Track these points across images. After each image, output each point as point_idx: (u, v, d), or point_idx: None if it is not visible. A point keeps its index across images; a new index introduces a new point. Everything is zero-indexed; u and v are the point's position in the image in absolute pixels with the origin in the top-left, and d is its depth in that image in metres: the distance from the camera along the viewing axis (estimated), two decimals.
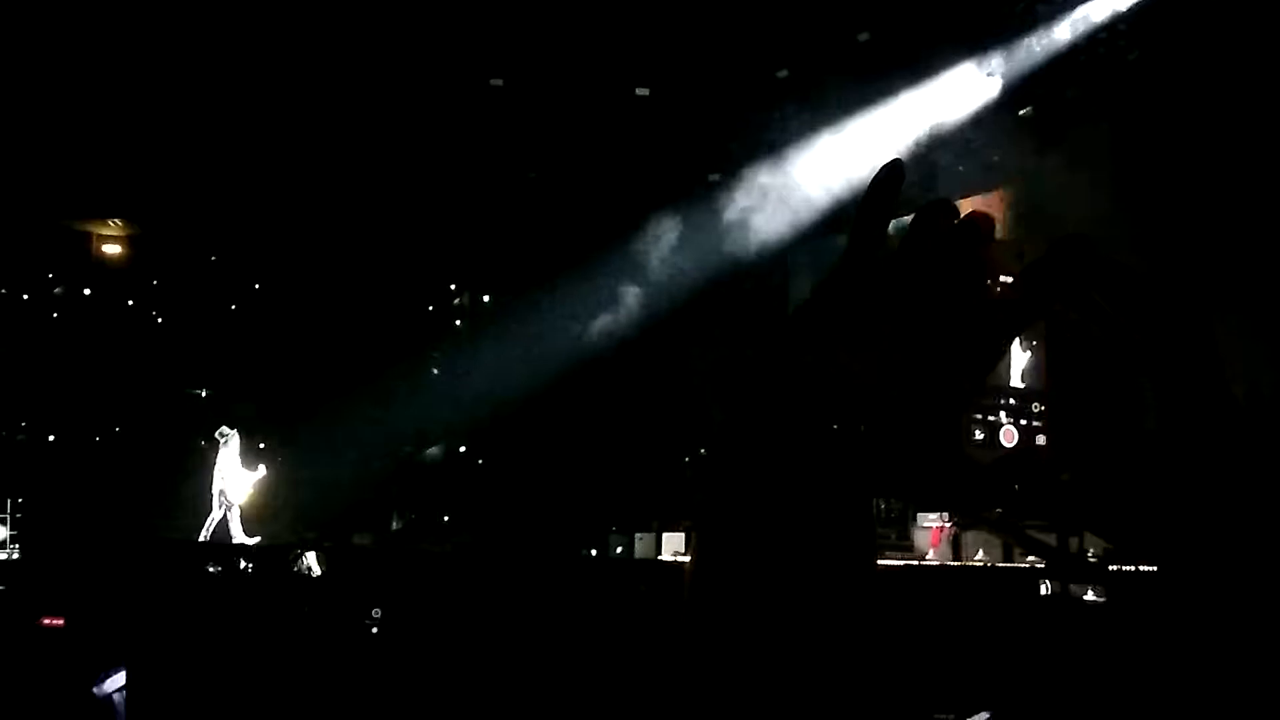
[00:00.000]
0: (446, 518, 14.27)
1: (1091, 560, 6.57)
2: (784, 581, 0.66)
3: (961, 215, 0.71)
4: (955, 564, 8.58)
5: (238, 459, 12.17)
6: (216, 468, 12.16)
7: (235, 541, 11.69)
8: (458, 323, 16.57)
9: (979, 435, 0.74)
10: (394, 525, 13.99)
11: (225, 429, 12.22)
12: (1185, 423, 0.75)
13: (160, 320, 15.73)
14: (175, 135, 12.68)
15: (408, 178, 13.86)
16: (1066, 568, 5.86)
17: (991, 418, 0.74)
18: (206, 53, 11.54)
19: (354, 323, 15.08)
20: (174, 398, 15.07)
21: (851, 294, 0.72)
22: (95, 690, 4.69)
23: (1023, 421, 0.75)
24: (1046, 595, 5.06)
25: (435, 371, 16.03)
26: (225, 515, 11.99)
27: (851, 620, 0.69)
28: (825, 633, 0.67)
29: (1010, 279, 0.70)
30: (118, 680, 4.88)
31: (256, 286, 16.04)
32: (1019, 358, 0.76)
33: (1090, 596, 5.30)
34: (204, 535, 11.79)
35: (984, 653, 4.91)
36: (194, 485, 12.70)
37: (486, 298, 16.56)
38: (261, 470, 12.35)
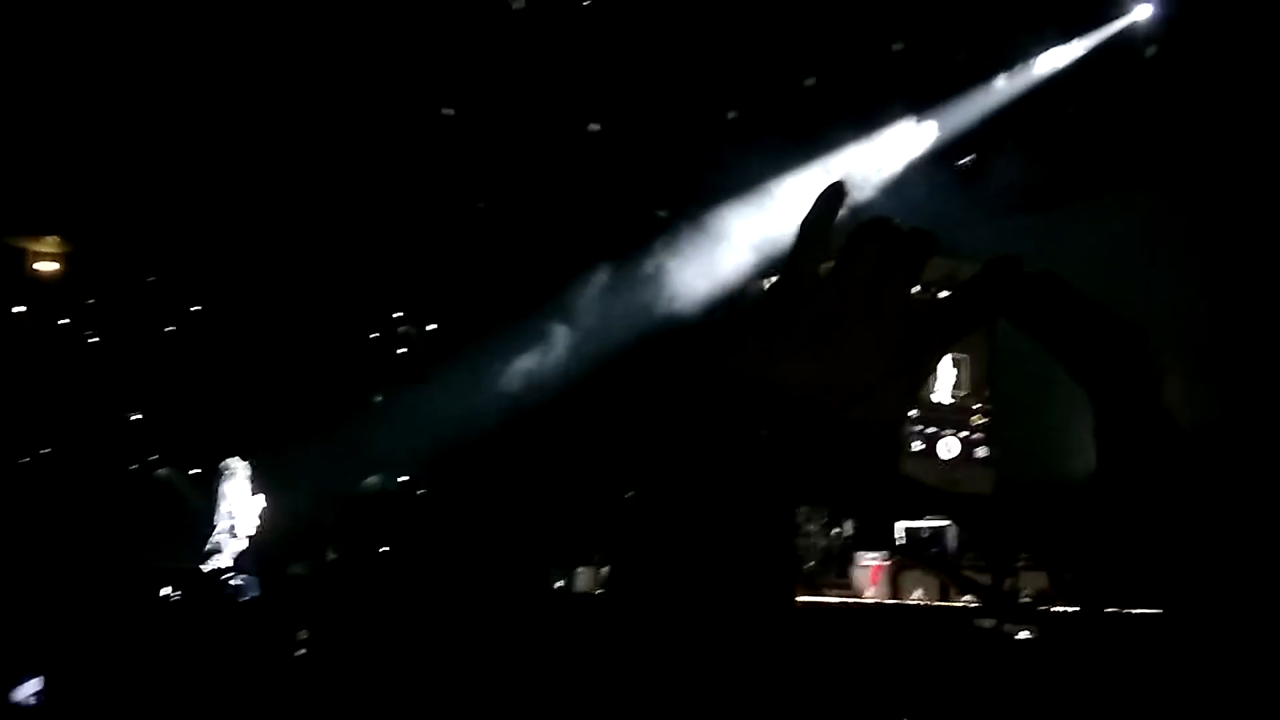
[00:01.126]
0: (384, 549, 14.05)
1: (1024, 600, 6.66)
2: (700, 586, 0.66)
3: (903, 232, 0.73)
4: (892, 602, 8.65)
5: (246, 489, 12.07)
6: (222, 500, 11.90)
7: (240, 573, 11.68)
8: (401, 351, 16.43)
9: (917, 445, 0.76)
10: (329, 556, 13.73)
11: (229, 460, 12.11)
12: (1118, 435, 0.77)
13: (95, 340, 15.38)
14: (114, 152, 12.48)
15: (355, 203, 13.78)
16: (1001, 607, 5.94)
17: (930, 429, 0.75)
18: (147, 70, 11.40)
19: (295, 348, 14.88)
20: (106, 420, 14.72)
21: (791, 305, 0.74)
22: (9, 697, 4.55)
23: (963, 434, 0.76)
24: (982, 633, 5.11)
25: (378, 399, 15.87)
26: (233, 544, 11.90)
27: (766, 632, 0.69)
28: (740, 643, 0.67)
29: (945, 294, 0.72)
30: (32, 687, 4.73)
31: (196, 309, 15.77)
32: (947, 373, 0.77)
33: (1023, 635, 5.36)
34: (215, 564, 11.70)
35: (922, 687, 4.95)
36: (132, 508, 12.49)
37: (432, 327, 16.45)
38: (262, 500, 12.20)
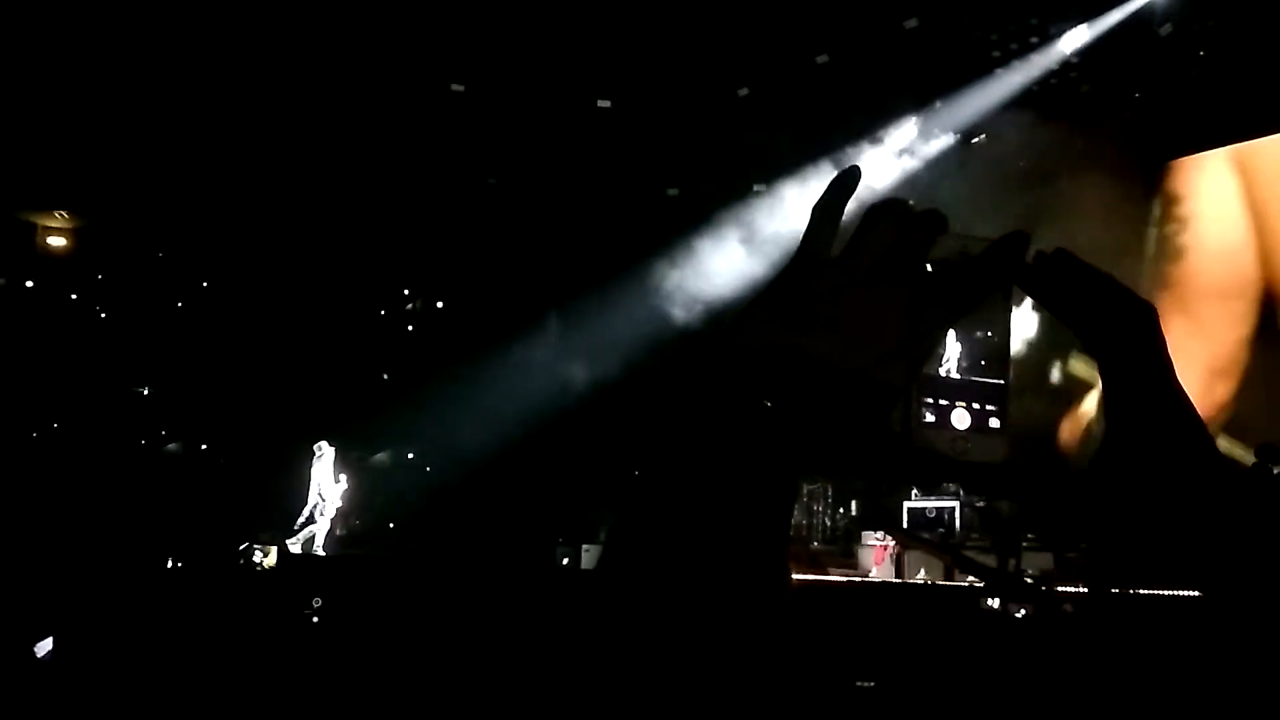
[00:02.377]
0: (392, 524, 14.13)
1: (1028, 580, 6.69)
2: (695, 559, 0.67)
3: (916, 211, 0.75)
4: (898, 581, 8.70)
5: (331, 471, 12.40)
6: (312, 480, 12.32)
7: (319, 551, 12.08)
8: (409, 328, 16.45)
9: (929, 417, 0.77)
10: (338, 531, 13.80)
11: (322, 443, 12.42)
12: (1127, 410, 0.79)
13: (104, 315, 15.44)
14: (124, 128, 12.48)
15: (364, 179, 13.77)
16: (1005, 587, 5.97)
17: (944, 401, 0.77)
18: (156, 47, 11.39)
19: (303, 323, 14.91)
20: (116, 394, 14.79)
21: (803, 284, 0.75)
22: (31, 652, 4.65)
23: (976, 405, 0.78)
24: (987, 613, 5.15)
25: (385, 376, 15.91)
26: (319, 525, 12.27)
27: (761, 605, 0.70)
28: (733, 615, 0.68)
29: (955, 269, 0.74)
30: (46, 645, 4.84)
31: (204, 284, 15.81)
32: (968, 344, 0.79)
33: (1023, 614, 5.39)
34: (300, 545, 12.07)
35: (924, 664, 4.99)
36: (144, 482, 12.69)
37: (440, 304, 16.47)
38: (344, 482, 12.50)
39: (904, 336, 0.72)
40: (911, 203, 0.77)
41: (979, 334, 0.80)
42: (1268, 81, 9.59)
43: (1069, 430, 11.45)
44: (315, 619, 5.74)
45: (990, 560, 9.94)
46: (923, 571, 10.04)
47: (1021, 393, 8.60)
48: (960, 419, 0.79)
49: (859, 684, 5.04)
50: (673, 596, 0.67)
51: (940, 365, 0.78)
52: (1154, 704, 4.15)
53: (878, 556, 10.71)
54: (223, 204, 13.89)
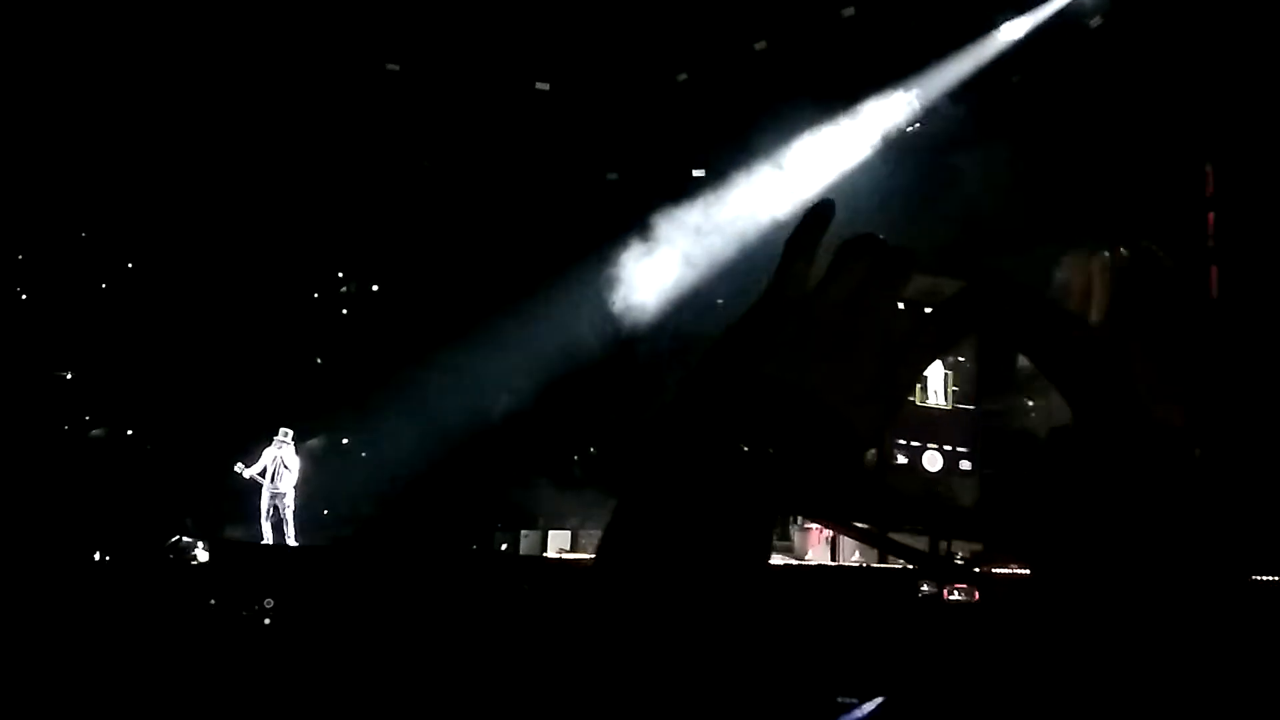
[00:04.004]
0: (326, 511, 13.93)
1: (959, 563, 6.83)
2: (675, 588, 0.68)
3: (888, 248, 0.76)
4: (833, 565, 8.82)
5: (295, 459, 12.18)
6: (273, 467, 12.22)
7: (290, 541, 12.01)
8: (344, 311, 16.18)
9: (901, 459, 0.78)
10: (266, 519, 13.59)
11: (284, 429, 12.18)
12: (1098, 448, 0.81)
13: (25, 296, 14.93)
14: (45, 104, 12.06)
15: (298, 159, 13.49)
16: (939, 570, 6.10)
17: (915, 443, 0.78)
18: (77, 23, 11.02)
19: (233, 306, 14.57)
20: (37, 378, 14.33)
21: (777, 318, 0.76)
22: None
23: (947, 447, 0.79)
24: (924, 596, 5.24)
25: (319, 360, 15.64)
26: (282, 515, 12.19)
27: (732, 628, 0.71)
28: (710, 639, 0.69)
29: (929, 310, 0.75)
30: None
31: (129, 265, 15.37)
32: (935, 385, 0.80)
33: (958, 597, 5.50)
34: (267, 533, 11.85)
35: (870, 647, 5.08)
36: (67, 469, 12.39)
37: (375, 287, 16.22)
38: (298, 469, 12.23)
39: (877, 377, 0.73)
40: (883, 238, 0.78)
41: (949, 372, 0.81)
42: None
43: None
44: (267, 620, 5.64)
45: (921, 543, 10.15)
46: (857, 554, 10.21)
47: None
48: (932, 461, 0.80)
49: (801, 670, 5.13)
50: (650, 626, 0.68)
51: (915, 406, 0.79)
52: (1092, 687, 4.28)
53: (813, 539, 10.85)
54: (148, 182, 13.51)
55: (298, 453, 12.51)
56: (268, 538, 11.98)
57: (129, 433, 14.98)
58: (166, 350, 14.26)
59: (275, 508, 12.17)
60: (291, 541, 11.91)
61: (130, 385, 14.37)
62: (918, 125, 12.55)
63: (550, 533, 12.43)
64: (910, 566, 7.93)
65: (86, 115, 12.37)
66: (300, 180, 13.76)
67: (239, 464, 12.25)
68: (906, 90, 12.30)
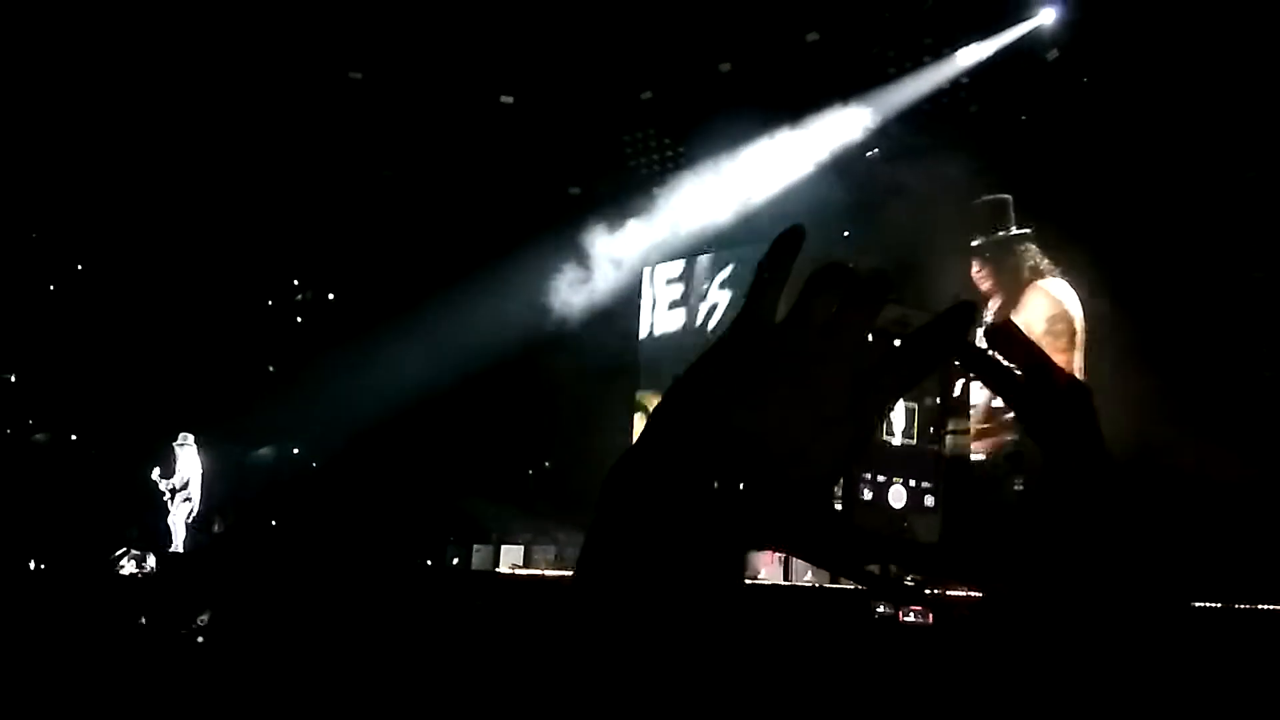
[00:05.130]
0: (274, 522, 13.74)
1: (909, 584, 6.86)
2: (654, 614, 0.67)
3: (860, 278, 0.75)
4: (785, 584, 8.84)
5: (197, 462, 11.91)
6: (178, 471, 11.73)
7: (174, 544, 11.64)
8: (298, 320, 15.99)
9: (868, 495, 0.77)
10: (215, 528, 13.35)
11: (185, 433, 11.90)
12: (1063, 478, 0.81)
13: None
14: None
15: (258, 166, 13.35)
16: (892, 591, 6.11)
17: (881, 477, 0.77)
18: (27, 19, 10.83)
19: (187, 311, 14.35)
20: None
21: (747, 348, 0.74)
22: None
23: (911, 482, 0.79)
24: (879, 618, 5.25)
25: (271, 368, 15.43)
26: (183, 515, 11.94)
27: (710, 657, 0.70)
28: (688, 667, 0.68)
29: (898, 342, 0.74)
30: None
31: (79, 267, 15.09)
32: (899, 420, 0.79)
33: (914, 619, 5.52)
34: (177, 538, 11.55)
35: (814, 669, 5.07)
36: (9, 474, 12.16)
37: (331, 295, 16.06)
38: (202, 474, 12.03)
39: (846, 410, 0.72)
40: (854, 266, 0.77)
41: (913, 406, 0.80)
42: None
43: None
44: (200, 638, 5.50)
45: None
46: (810, 574, 10.22)
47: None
48: (897, 496, 0.79)
49: (757, 689, 5.11)
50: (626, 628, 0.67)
51: (879, 441, 0.78)
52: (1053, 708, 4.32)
53: (766, 558, 10.85)
54: (101, 183, 13.29)
55: (205, 456, 12.28)
56: (180, 546, 11.71)
57: (73, 438, 14.68)
58: (114, 354, 14.01)
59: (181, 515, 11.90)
60: (179, 547, 11.61)
61: (76, 390, 14.09)
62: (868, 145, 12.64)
63: (503, 547, 12.34)
64: (861, 588, 7.89)
65: (37, 114, 12.15)
66: (258, 185, 13.63)
67: (156, 472, 11.93)
68: (859, 108, 12.43)
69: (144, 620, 5.77)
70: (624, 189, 14.18)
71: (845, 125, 12.65)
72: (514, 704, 0.70)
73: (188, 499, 11.92)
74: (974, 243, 9.88)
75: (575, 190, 14.61)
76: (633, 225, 13.97)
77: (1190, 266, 9.39)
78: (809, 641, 5.73)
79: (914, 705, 4.50)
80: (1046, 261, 9.62)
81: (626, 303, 14.76)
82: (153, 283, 14.28)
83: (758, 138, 13.04)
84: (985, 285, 9.89)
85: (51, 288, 14.92)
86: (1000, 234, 9.74)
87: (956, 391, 0.80)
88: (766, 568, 10.84)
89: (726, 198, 13.45)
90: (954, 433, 0.83)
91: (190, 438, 12.06)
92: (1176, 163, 9.63)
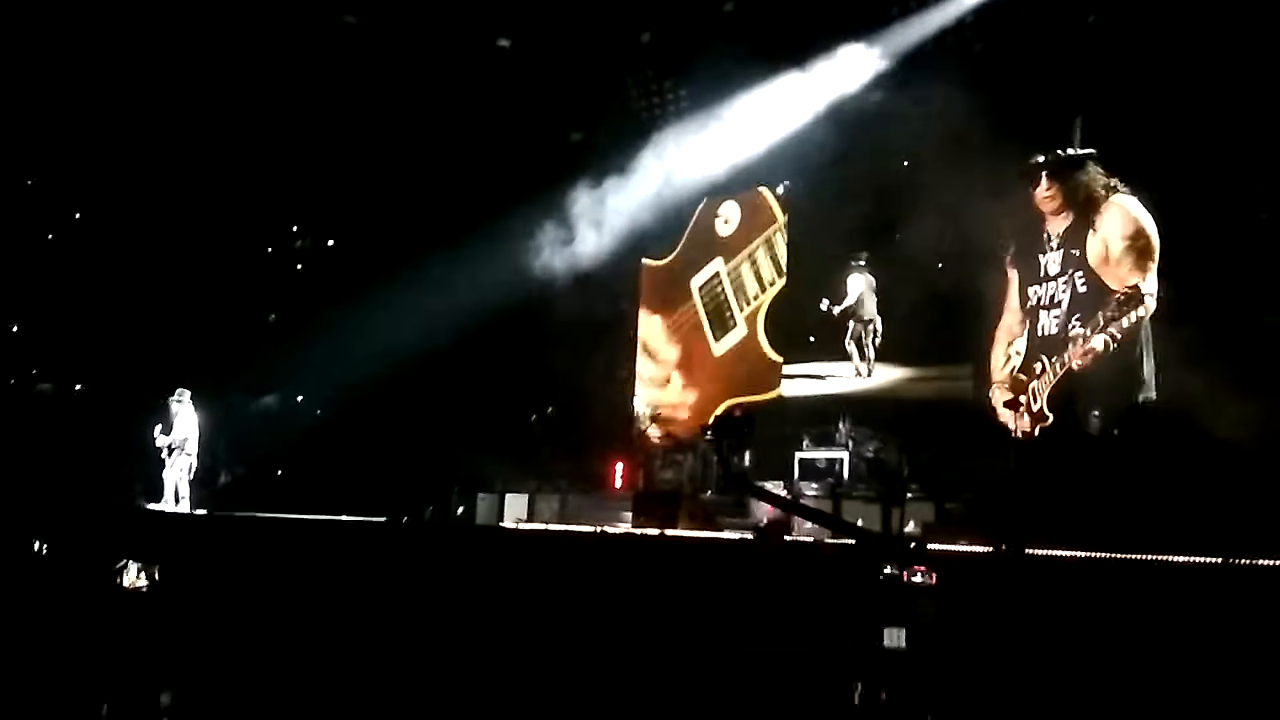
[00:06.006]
0: (280, 472, 13.80)
1: (913, 543, 6.88)
2: None
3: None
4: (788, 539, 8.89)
5: (194, 419, 11.88)
6: (175, 428, 11.90)
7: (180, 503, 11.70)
8: (298, 267, 15.89)
9: None
10: (221, 480, 13.39)
11: (181, 389, 11.86)
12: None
13: None
14: None
15: (257, 111, 13.16)
16: (887, 549, 6.12)
17: None
18: None
19: (187, 259, 14.25)
20: None
21: None
22: None
23: None
24: (885, 578, 5.25)
25: (273, 316, 15.37)
26: (182, 472, 11.91)
27: None
28: None
29: None
30: None
31: (76, 215, 14.96)
32: None
33: (919, 580, 5.52)
34: (169, 494, 11.56)
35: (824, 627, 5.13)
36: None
37: (330, 242, 15.94)
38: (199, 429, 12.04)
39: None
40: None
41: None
42: None
43: None
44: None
45: (875, 513, 10.26)
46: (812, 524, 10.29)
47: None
48: None
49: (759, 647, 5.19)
50: None
51: None
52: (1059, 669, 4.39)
53: (770, 510, 10.92)
54: (99, 131, 13.12)
55: (201, 411, 12.21)
56: (173, 506, 11.68)
57: (77, 388, 14.71)
58: (113, 304, 13.96)
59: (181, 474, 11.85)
60: (185, 507, 11.59)
61: (78, 340, 14.08)
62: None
63: (507, 496, 12.39)
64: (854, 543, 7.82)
65: (32, 62, 11.96)
66: (256, 132, 13.46)
67: (157, 429, 11.88)
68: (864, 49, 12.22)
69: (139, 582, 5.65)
70: (624, 135, 14.00)
71: (850, 67, 12.45)
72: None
73: (186, 455, 11.89)
74: (1037, 159, 9.61)
75: (577, 136, 14.41)
76: (633, 170, 13.83)
77: (1205, 210, 9.34)
78: (821, 599, 5.77)
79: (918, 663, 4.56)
80: (1115, 179, 9.44)
81: (625, 249, 14.71)
82: (152, 231, 14.17)
83: (760, 81, 12.85)
84: (1052, 204, 9.66)
85: (50, 236, 14.82)
86: (1068, 152, 9.51)
87: None
88: (769, 515, 10.92)
89: (728, 142, 13.30)
90: None
91: (187, 394, 11.98)
92: (1190, 101, 9.52)
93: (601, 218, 14.08)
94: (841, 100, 12.64)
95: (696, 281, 15.18)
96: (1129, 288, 8.67)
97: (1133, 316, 8.69)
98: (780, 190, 14.21)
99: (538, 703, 4.73)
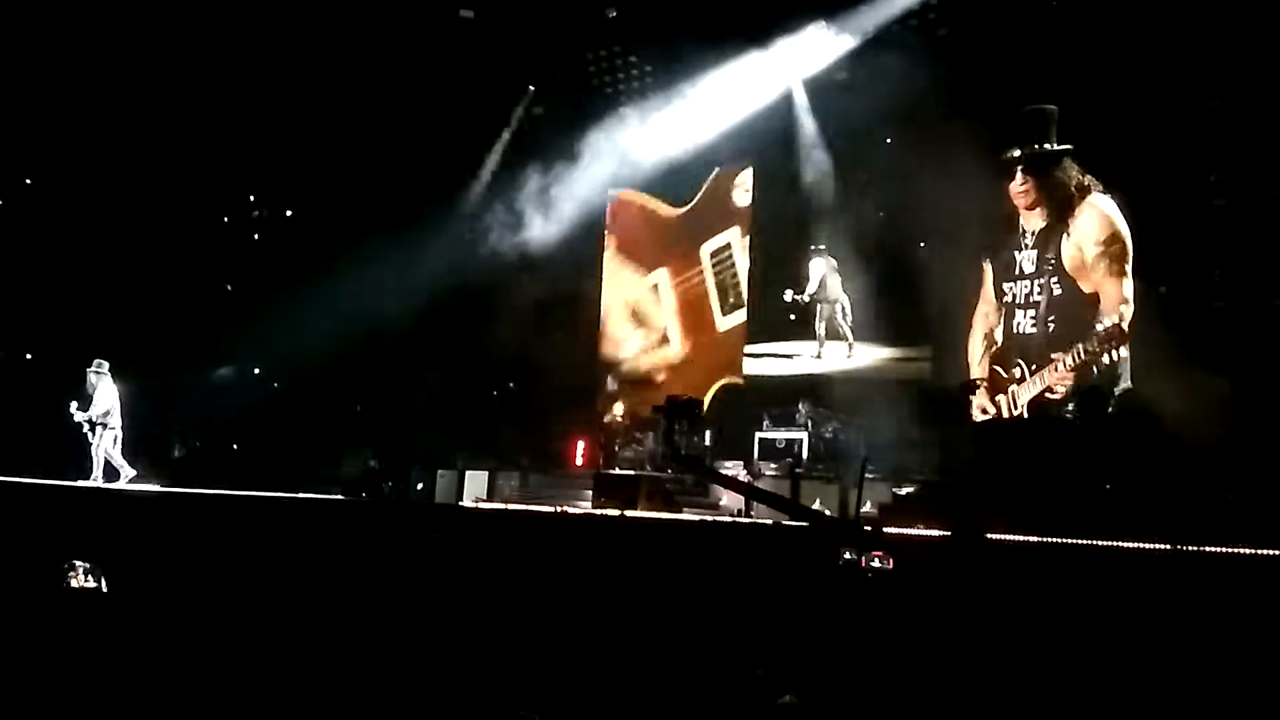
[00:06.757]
0: (235, 446, 13.60)
1: (868, 527, 6.94)
2: None
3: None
4: (746, 521, 8.95)
5: (114, 388, 11.48)
6: (95, 401, 11.47)
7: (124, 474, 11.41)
8: (255, 237, 15.60)
9: None
10: (175, 453, 13.18)
11: (100, 360, 11.44)
12: None
13: None
14: None
15: (213, 80, 12.87)
16: (843, 534, 6.18)
17: None
18: None
19: (142, 230, 13.94)
20: None
21: None
22: None
23: None
24: (843, 564, 5.29)
25: (229, 287, 15.11)
26: (109, 445, 11.52)
27: None
28: None
29: None
30: None
31: (28, 181, 14.57)
32: None
33: (878, 565, 5.57)
34: (98, 468, 11.18)
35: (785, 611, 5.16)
36: None
37: (289, 213, 15.66)
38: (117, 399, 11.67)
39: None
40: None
41: None
42: None
43: None
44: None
45: (833, 493, 10.32)
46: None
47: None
48: None
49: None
50: None
51: None
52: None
53: (727, 495, 10.97)
54: (53, 97, 12.76)
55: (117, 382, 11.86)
56: (102, 479, 11.35)
57: (28, 357, 14.39)
58: (71, 274, 13.64)
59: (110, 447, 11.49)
60: (126, 482, 11.27)
61: (27, 308, 13.75)
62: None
63: (467, 473, 12.31)
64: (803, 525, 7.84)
65: None
66: (213, 100, 13.17)
67: (74, 405, 11.43)
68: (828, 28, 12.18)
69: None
70: (588, 111, 13.90)
71: (816, 47, 12.43)
72: None
73: (110, 428, 11.43)
74: (1013, 153, 9.55)
75: (538, 110, 14.28)
76: (595, 144, 13.72)
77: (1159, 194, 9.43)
78: (777, 585, 5.80)
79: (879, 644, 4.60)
80: (1090, 177, 9.42)
81: (587, 222, 14.63)
82: (107, 199, 13.84)
83: (726, 59, 12.79)
84: (1027, 200, 9.64)
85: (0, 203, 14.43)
86: (1045, 146, 9.45)
87: None
88: (728, 498, 10.97)
89: (693, 120, 13.23)
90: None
91: (105, 365, 11.52)
92: (1153, 89, 9.57)
93: (563, 195, 13.99)
94: (805, 81, 12.65)
95: (708, 248, 14.79)
96: (1111, 327, 8.63)
97: (1114, 354, 8.67)
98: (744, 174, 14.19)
99: (501, 682, 4.73)
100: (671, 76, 13.18)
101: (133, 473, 11.48)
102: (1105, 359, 8.64)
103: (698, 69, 12.88)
